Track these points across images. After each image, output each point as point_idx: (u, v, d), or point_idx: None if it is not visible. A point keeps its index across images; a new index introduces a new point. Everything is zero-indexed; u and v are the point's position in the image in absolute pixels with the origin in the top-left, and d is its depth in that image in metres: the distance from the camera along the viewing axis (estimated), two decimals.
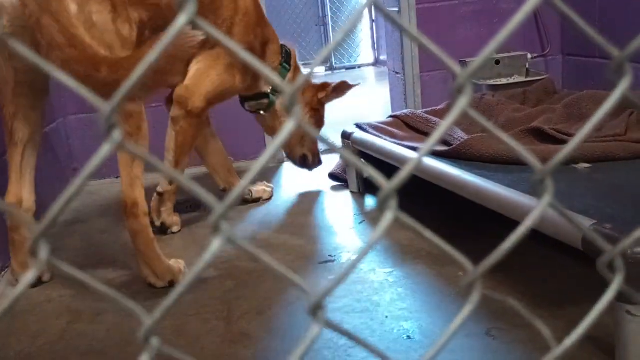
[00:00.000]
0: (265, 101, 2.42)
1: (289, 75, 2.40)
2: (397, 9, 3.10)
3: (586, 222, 1.28)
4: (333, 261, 1.88)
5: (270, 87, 2.40)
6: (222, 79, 2.17)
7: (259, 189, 2.55)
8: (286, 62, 2.41)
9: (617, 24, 2.70)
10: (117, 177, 3.06)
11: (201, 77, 2.14)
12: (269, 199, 2.55)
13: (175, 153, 2.13)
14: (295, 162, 2.64)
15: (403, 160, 2.09)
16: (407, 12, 3.08)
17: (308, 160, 2.61)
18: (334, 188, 2.64)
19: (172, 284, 1.76)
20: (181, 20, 0.37)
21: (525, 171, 1.76)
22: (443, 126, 0.43)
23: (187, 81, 2.13)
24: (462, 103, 0.42)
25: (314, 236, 2.11)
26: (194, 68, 2.16)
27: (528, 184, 1.63)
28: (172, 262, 1.81)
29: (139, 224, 1.70)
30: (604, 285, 0.55)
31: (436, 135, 0.43)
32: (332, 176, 2.69)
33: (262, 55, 2.34)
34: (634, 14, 2.63)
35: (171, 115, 2.14)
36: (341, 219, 2.28)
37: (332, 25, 7.48)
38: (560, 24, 3.19)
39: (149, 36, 1.97)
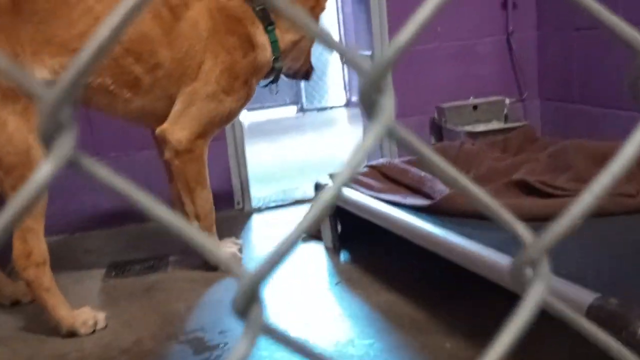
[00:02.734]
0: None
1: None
2: (370, 53, 3.01)
3: (589, 297, 1.18)
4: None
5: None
6: (204, 110, 2.08)
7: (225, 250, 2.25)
8: None
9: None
10: None
11: (179, 116, 2.08)
12: None
13: (185, 192, 2.13)
14: (295, 77, 2.57)
15: (380, 216, 1.98)
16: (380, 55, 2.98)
17: (309, 72, 2.55)
18: (306, 242, 2.47)
19: (71, 335, 1.73)
20: None
21: None
22: None
23: (165, 123, 2.08)
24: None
25: (285, 300, 1.94)
26: (172, 111, 2.09)
27: (516, 244, 1.50)
28: (81, 313, 1.78)
29: (28, 274, 1.72)
30: None
31: None
32: None
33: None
34: None
35: (164, 158, 2.14)
36: (315, 279, 2.11)
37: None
38: (537, 67, 3.12)
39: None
